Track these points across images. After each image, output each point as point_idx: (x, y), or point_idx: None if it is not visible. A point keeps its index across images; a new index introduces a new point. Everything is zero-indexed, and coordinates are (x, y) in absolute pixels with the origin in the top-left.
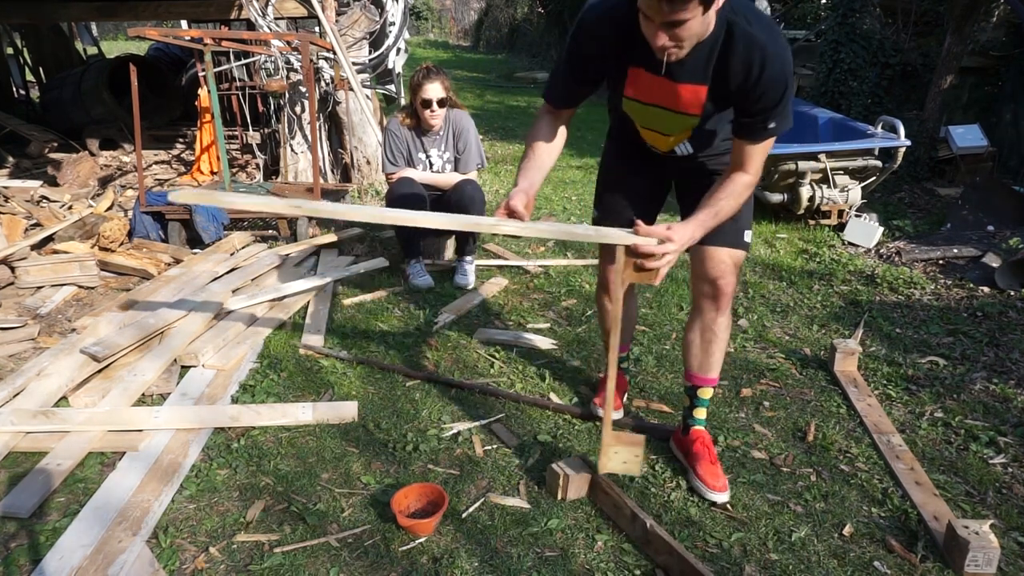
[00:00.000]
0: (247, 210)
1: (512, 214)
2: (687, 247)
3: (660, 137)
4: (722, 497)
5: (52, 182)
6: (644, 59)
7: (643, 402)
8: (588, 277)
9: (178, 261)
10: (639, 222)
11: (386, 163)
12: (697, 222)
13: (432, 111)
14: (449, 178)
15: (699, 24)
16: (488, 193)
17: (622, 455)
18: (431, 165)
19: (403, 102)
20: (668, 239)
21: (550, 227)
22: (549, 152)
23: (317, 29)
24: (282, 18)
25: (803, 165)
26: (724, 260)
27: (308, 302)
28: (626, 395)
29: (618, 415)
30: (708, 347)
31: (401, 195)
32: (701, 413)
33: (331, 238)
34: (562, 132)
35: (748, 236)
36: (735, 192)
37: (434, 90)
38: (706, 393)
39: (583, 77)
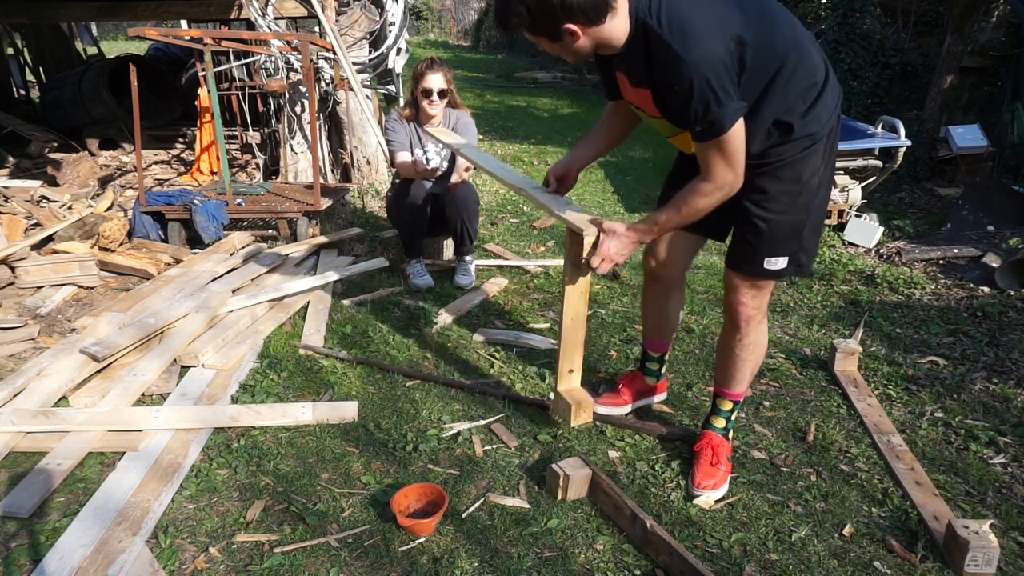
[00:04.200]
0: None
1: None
2: (633, 245)
3: (674, 140)
4: (700, 495)
5: (52, 182)
6: (618, 62)
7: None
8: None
9: (178, 261)
10: (601, 220)
11: (393, 146)
12: (648, 221)
13: (431, 100)
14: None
15: (560, 48)
16: (489, 192)
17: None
18: (428, 161)
19: (403, 102)
20: (608, 233)
21: (514, 177)
22: (604, 134)
23: (317, 29)
24: (282, 18)
25: None
26: (732, 283)
27: (308, 302)
28: (653, 397)
29: (622, 410)
30: (725, 362)
31: (406, 193)
32: (718, 421)
33: (331, 238)
34: (620, 119)
35: (774, 263)
36: (685, 196)
37: (436, 80)
38: (724, 404)
39: (611, 72)
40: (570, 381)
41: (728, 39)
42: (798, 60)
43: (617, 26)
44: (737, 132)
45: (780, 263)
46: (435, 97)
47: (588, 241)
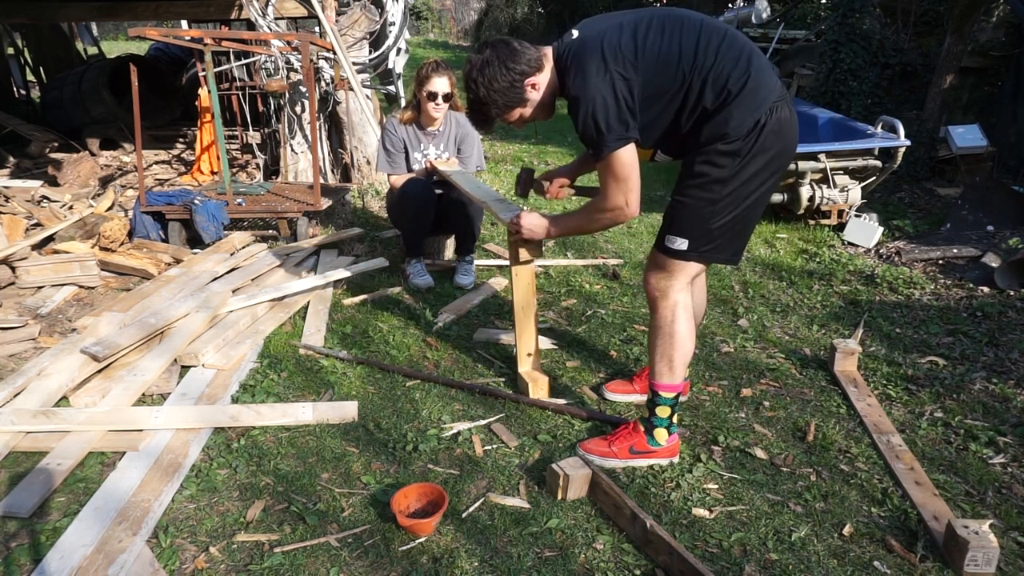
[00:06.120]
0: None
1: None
2: (543, 228)
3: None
4: (580, 451)
5: (52, 182)
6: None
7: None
8: (588, 277)
9: (178, 261)
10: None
11: (383, 164)
12: (557, 216)
13: (436, 104)
14: (452, 164)
15: (530, 108)
16: None
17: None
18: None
19: (403, 102)
20: (527, 211)
21: (481, 192)
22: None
23: (317, 29)
24: (282, 18)
25: (803, 165)
26: (649, 259)
27: (308, 302)
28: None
29: (629, 398)
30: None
31: (411, 193)
32: (643, 411)
33: (331, 238)
34: None
35: (672, 242)
36: (585, 208)
37: (441, 84)
38: (649, 392)
39: None
40: (528, 363)
41: (613, 81)
42: (703, 80)
43: (550, 70)
44: (621, 157)
45: (679, 243)
46: (440, 100)
47: (507, 219)
